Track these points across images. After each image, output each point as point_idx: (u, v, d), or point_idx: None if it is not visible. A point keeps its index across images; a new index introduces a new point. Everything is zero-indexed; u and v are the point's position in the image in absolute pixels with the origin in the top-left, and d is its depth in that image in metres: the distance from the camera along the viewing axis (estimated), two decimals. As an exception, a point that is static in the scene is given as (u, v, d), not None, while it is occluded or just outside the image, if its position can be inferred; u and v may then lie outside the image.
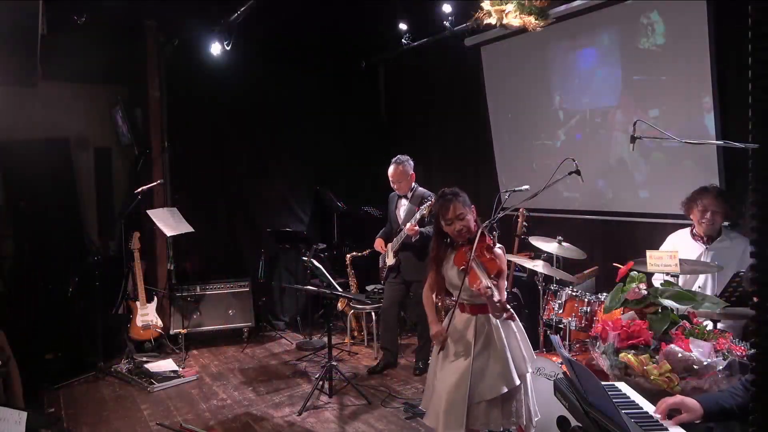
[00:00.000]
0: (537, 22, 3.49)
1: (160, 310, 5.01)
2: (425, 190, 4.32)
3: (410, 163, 4.34)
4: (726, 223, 3.27)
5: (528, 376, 2.57)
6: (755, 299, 1.09)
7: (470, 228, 2.55)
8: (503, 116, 5.14)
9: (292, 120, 6.04)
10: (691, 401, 1.71)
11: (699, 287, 3.15)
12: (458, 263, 2.53)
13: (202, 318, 5.27)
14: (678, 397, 1.76)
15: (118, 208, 5.64)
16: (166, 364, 4.64)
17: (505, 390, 2.45)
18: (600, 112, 4.31)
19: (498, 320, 2.53)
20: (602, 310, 2.80)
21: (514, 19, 3.50)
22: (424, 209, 4.00)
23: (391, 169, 4.31)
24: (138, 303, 4.85)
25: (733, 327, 2.88)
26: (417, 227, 4.07)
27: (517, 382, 2.47)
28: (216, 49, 4.85)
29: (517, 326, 2.61)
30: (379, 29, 5.66)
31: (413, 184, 4.37)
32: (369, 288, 5.34)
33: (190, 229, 4.85)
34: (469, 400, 2.46)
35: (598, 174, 4.37)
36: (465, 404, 2.45)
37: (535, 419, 2.57)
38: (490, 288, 2.32)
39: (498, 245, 2.59)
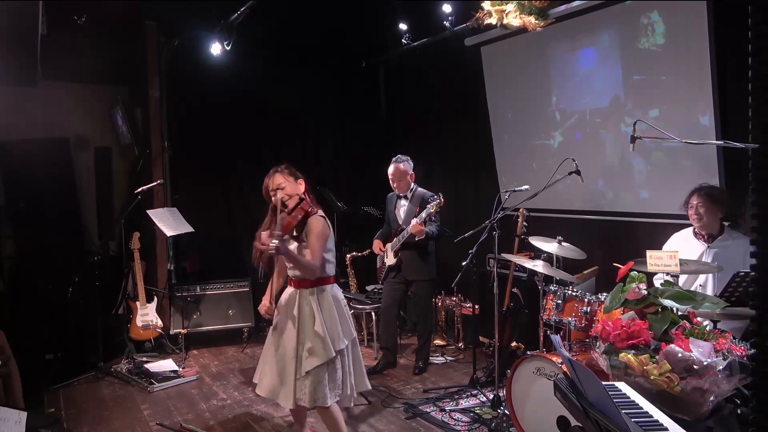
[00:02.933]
0: (537, 22, 3.50)
1: (160, 310, 5.01)
2: (425, 190, 4.32)
3: (410, 163, 4.34)
4: (727, 223, 3.27)
5: (344, 352, 2.82)
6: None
7: (294, 197, 2.83)
8: (503, 116, 5.14)
9: (293, 120, 6.04)
10: None
11: (699, 286, 3.15)
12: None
13: (202, 318, 5.27)
14: None
15: (118, 208, 5.64)
16: (166, 364, 4.64)
17: (319, 363, 2.69)
18: (600, 112, 4.31)
19: (314, 295, 2.78)
20: (602, 310, 2.80)
21: (514, 19, 3.51)
22: (431, 207, 3.97)
23: (390, 168, 4.32)
24: (138, 303, 4.85)
25: (734, 327, 2.88)
26: (423, 227, 4.05)
27: (331, 355, 2.70)
28: (216, 49, 4.85)
29: (335, 303, 2.83)
30: (379, 29, 5.66)
31: (413, 184, 4.37)
32: (369, 288, 5.34)
33: (190, 229, 4.85)
34: (296, 374, 2.73)
35: (598, 174, 4.37)
36: (293, 378, 2.72)
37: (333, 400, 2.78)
38: (277, 236, 2.58)
39: (320, 214, 2.80)
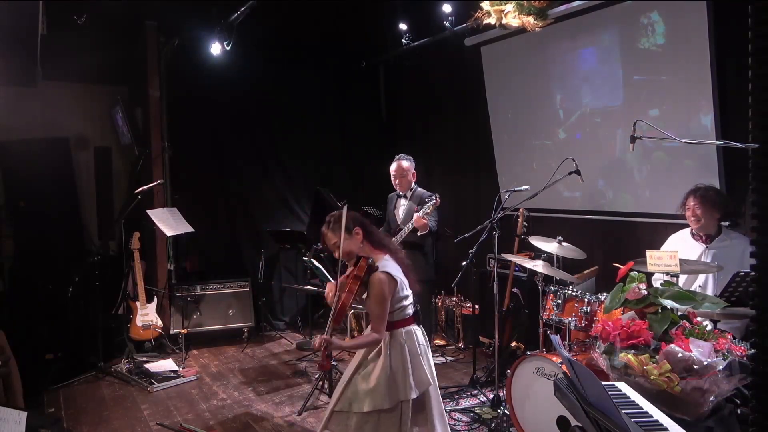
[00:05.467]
0: (536, 22, 3.51)
1: (160, 310, 5.01)
2: (424, 191, 4.33)
3: (412, 162, 4.35)
4: (726, 223, 3.27)
5: (410, 404, 2.41)
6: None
7: (352, 252, 2.51)
8: (503, 116, 5.14)
9: (293, 120, 6.04)
10: None
11: (699, 287, 3.15)
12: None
13: (202, 318, 5.27)
14: None
15: (118, 208, 5.64)
16: (166, 364, 4.64)
17: (369, 409, 2.36)
18: (600, 111, 4.31)
19: (386, 340, 2.44)
20: (602, 310, 2.80)
21: (513, 19, 3.51)
22: (427, 208, 3.97)
23: (393, 165, 4.33)
24: (138, 303, 4.85)
25: (734, 327, 2.88)
26: (426, 220, 4.01)
27: (388, 405, 2.37)
28: (216, 49, 4.85)
29: (409, 347, 2.47)
30: (379, 29, 5.66)
31: (413, 183, 4.37)
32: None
33: (190, 229, 4.85)
34: (331, 404, 2.49)
35: (598, 174, 4.37)
36: (331, 408, 2.49)
37: None
38: (323, 342, 2.28)
39: (381, 270, 2.43)
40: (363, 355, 2.51)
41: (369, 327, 2.53)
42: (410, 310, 2.56)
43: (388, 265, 2.49)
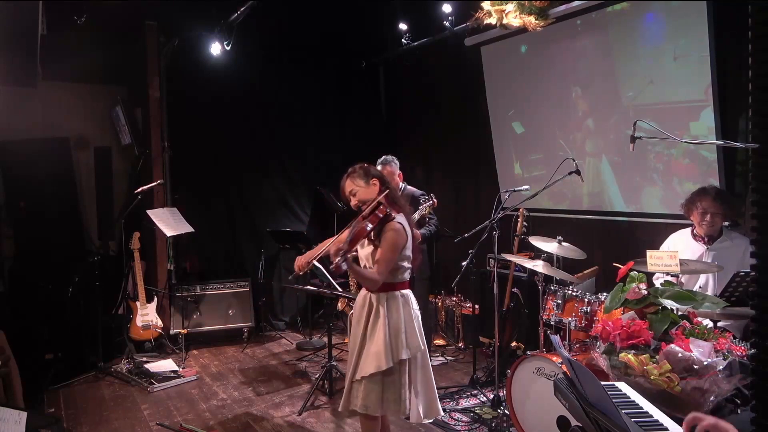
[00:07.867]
0: (537, 22, 3.51)
1: (160, 310, 5.01)
2: (414, 189, 4.22)
3: (396, 163, 4.21)
4: (726, 224, 3.27)
5: (407, 365, 2.51)
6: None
7: (367, 202, 2.58)
8: (503, 116, 5.14)
9: (292, 120, 6.04)
10: (724, 425, 1.44)
11: (700, 287, 3.15)
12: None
13: (202, 318, 5.27)
14: (711, 419, 1.46)
15: (118, 208, 5.64)
16: (166, 364, 4.64)
17: (373, 371, 2.45)
18: (600, 111, 4.31)
19: (383, 300, 2.54)
20: (602, 310, 2.80)
21: (514, 19, 3.51)
22: (423, 209, 3.88)
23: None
24: (138, 303, 4.85)
25: (734, 327, 2.88)
26: (417, 231, 3.94)
27: (389, 364, 2.45)
28: (216, 49, 4.85)
29: (405, 310, 2.56)
30: (379, 29, 5.66)
31: (401, 183, 4.29)
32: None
33: (190, 229, 4.85)
34: (352, 377, 2.56)
35: (598, 174, 4.37)
36: (349, 381, 2.57)
37: (414, 413, 2.51)
38: (339, 253, 2.33)
39: (397, 220, 2.52)
40: (362, 326, 2.59)
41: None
42: (408, 275, 2.63)
43: (403, 221, 2.57)
